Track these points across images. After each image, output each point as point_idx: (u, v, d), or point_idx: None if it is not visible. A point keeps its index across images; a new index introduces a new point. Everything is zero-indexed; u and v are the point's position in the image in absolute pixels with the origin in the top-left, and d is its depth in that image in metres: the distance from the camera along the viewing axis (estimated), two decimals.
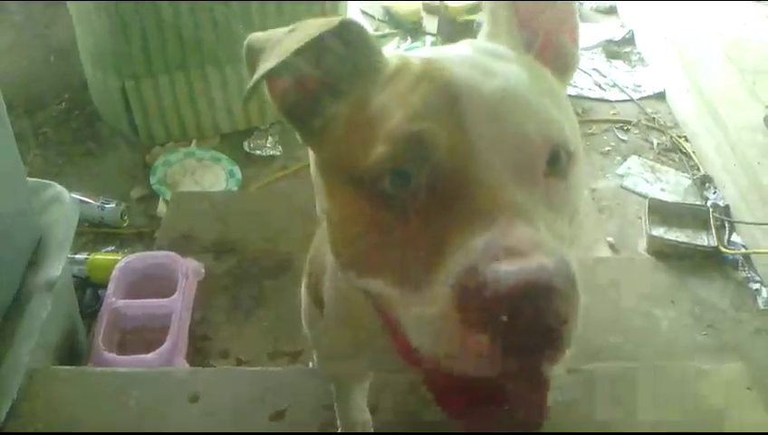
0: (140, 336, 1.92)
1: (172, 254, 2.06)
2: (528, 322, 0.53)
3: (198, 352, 1.93)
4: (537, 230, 0.57)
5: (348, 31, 0.69)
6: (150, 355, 1.76)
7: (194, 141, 2.94)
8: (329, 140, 0.70)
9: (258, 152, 2.94)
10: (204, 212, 2.42)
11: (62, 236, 1.75)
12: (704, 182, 2.79)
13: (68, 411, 1.51)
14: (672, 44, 3.32)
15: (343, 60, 0.70)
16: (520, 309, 0.52)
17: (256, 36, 0.72)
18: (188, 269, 2.02)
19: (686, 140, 3.05)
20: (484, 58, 0.68)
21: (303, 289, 1.07)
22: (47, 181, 1.84)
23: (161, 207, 2.62)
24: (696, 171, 2.87)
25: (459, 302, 0.55)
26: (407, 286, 0.61)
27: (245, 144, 2.97)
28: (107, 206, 2.52)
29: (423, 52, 0.73)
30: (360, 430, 1.35)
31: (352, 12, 3.56)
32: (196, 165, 2.83)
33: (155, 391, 1.56)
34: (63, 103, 3.14)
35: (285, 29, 0.71)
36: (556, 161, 0.64)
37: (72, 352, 1.86)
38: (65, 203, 1.81)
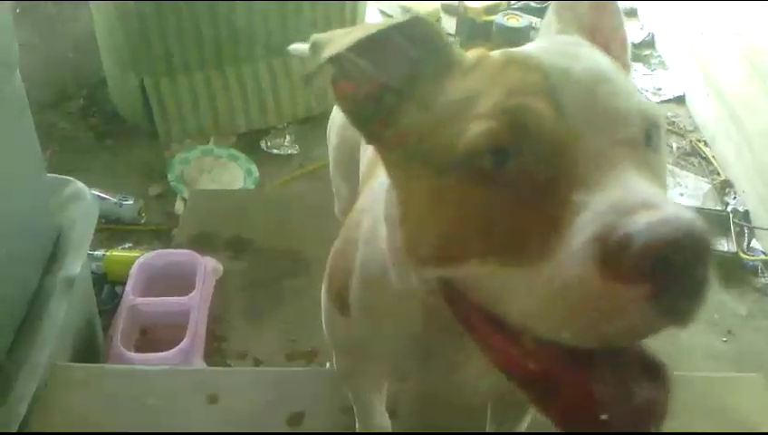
0: (158, 334, 1.92)
1: (191, 252, 2.06)
2: (683, 269, 0.51)
3: (215, 351, 1.92)
4: (654, 187, 0.56)
5: (416, 29, 0.68)
6: (168, 353, 1.76)
7: (212, 139, 2.94)
8: (404, 136, 0.69)
9: (275, 151, 2.94)
10: (221, 211, 2.42)
11: (82, 233, 1.75)
12: (723, 187, 2.77)
13: (85, 409, 1.50)
14: (692, 48, 3.29)
15: (413, 57, 0.69)
16: (674, 257, 0.50)
17: (320, 35, 0.70)
18: (207, 268, 2.02)
19: (706, 145, 3.03)
20: (566, 46, 0.68)
21: (324, 294, 1.04)
22: (67, 177, 1.84)
23: (179, 205, 2.63)
24: (715, 176, 2.85)
25: (605, 258, 0.52)
26: (521, 263, 0.58)
27: (263, 143, 2.97)
28: (125, 202, 2.52)
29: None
30: (378, 432, 1.35)
31: (371, 12, 3.55)
32: (213, 163, 2.83)
33: (173, 389, 1.56)
34: (82, 99, 3.15)
35: (351, 28, 0.70)
36: (650, 139, 0.63)
37: (90, 349, 1.86)
38: (85, 200, 1.80)
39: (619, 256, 0.51)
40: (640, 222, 0.50)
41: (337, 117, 1.54)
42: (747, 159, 2.67)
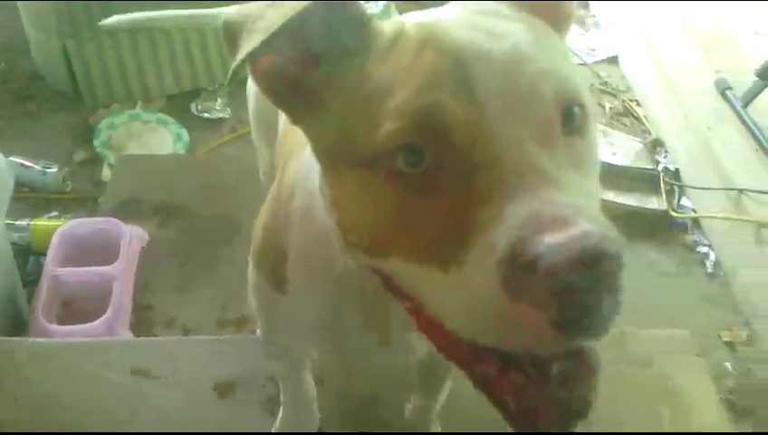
0: (81, 305, 1.87)
1: (114, 220, 2.00)
2: (587, 293, 0.49)
3: (143, 321, 1.88)
4: (571, 195, 0.53)
5: (335, 4, 0.64)
6: (92, 325, 1.72)
7: (139, 103, 2.85)
8: (325, 121, 0.65)
9: (206, 115, 2.86)
10: (150, 176, 2.36)
11: None
12: (655, 146, 2.79)
13: (7, 383, 1.46)
14: (627, 8, 3.31)
15: (332, 34, 0.64)
16: (578, 281, 0.49)
17: (232, 15, 0.65)
18: (131, 235, 1.97)
19: (638, 105, 3.05)
20: (482, 18, 0.64)
21: (254, 271, 0.99)
22: None
23: (105, 172, 2.54)
24: (647, 135, 2.88)
25: (509, 278, 0.51)
26: (435, 266, 0.56)
27: (193, 106, 2.89)
28: (48, 170, 2.44)
29: (415, 16, 0.67)
30: (305, 403, 1.33)
31: None
32: (141, 128, 2.75)
33: (97, 362, 1.52)
34: (3, 63, 3.03)
35: (263, 4, 0.64)
36: (573, 118, 0.60)
37: (14, 322, 1.81)
38: None
39: (524, 280, 0.50)
40: (547, 243, 0.49)
41: None
42: (678, 119, 2.70)
